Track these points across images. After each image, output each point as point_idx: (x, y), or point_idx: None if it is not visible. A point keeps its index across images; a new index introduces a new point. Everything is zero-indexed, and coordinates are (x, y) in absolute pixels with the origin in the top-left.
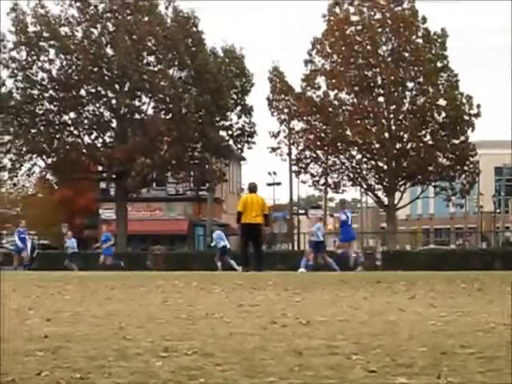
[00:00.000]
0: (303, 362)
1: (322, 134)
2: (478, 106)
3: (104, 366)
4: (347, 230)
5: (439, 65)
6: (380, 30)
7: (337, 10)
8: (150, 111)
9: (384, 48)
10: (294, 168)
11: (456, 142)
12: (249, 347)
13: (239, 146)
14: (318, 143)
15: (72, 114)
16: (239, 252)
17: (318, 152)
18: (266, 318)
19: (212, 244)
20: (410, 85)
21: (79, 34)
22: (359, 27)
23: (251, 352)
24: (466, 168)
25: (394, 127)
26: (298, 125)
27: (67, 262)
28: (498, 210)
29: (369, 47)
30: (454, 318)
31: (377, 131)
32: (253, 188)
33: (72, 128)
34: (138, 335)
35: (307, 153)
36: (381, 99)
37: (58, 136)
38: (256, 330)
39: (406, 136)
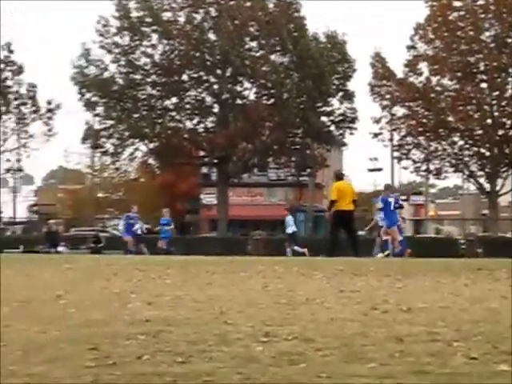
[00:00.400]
0: (404, 348)
1: (424, 120)
2: None
3: (205, 351)
4: (390, 215)
5: None
6: (483, 15)
7: None
8: (252, 96)
9: (487, 34)
10: (396, 154)
11: None
12: (349, 333)
13: (340, 131)
14: (420, 129)
15: (174, 99)
16: (329, 239)
17: (420, 138)
18: (366, 304)
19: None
20: None
21: (182, 19)
22: (462, 13)
23: (352, 338)
24: None
25: (496, 113)
26: (399, 111)
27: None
28: None
29: (471, 33)
30: None
31: (479, 117)
32: (341, 175)
33: (174, 113)
34: (239, 320)
35: (409, 139)
36: (483, 85)
37: (160, 121)
38: (356, 315)
39: (508, 122)
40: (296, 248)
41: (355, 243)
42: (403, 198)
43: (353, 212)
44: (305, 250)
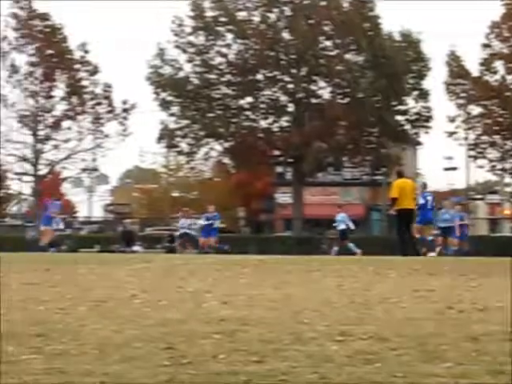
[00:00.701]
0: (480, 347)
1: (500, 119)
2: None
3: (280, 350)
4: (424, 213)
5: None
6: None
7: None
8: (327, 96)
9: None
10: (471, 153)
11: None
12: (424, 332)
13: (415, 130)
14: (496, 128)
15: (249, 99)
16: (397, 239)
17: (495, 137)
18: (441, 303)
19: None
20: None
21: (256, 19)
22: None
23: (427, 337)
24: None
25: None
26: (475, 109)
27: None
28: None
29: None
30: None
31: None
32: (402, 173)
33: (249, 112)
34: (314, 319)
35: (484, 138)
36: None
37: (234, 120)
38: (432, 315)
39: None
40: (350, 246)
41: (414, 242)
42: (478, 197)
43: (414, 210)
44: (358, 251)
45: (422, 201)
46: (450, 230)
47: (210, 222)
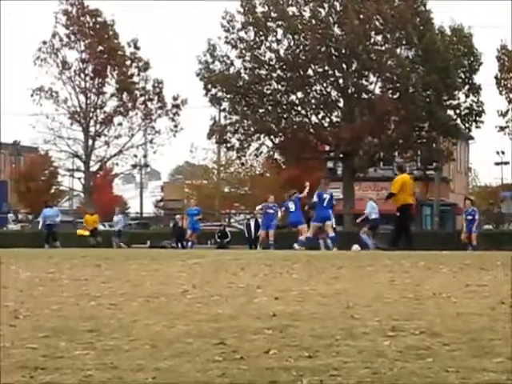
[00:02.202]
0: None
1: None
2: None
3: (332, 345)
4: (320, 210)
5: None
6: None
7: None
8: (378, 90)
9: None
10: None
11: None
12: (476, 327)
13: (467, 125)
14: None
15: (299, 94)
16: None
17: None
18: (493, 298)
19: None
20: None
21: (307, 14)
22: None
23: (479, 332)
24: None
25: None
26: None
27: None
28: None
29: None
30: None
31: None
32: (403, 168)
33: (299, 108)
34: (366, 314)
35: None
36: None
37: (285, 116)
38: (484, 310)
39: None
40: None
41: (410, 236)
42: None
43: (412, 205)
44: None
45: (315, 199)
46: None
47: (271, 211)
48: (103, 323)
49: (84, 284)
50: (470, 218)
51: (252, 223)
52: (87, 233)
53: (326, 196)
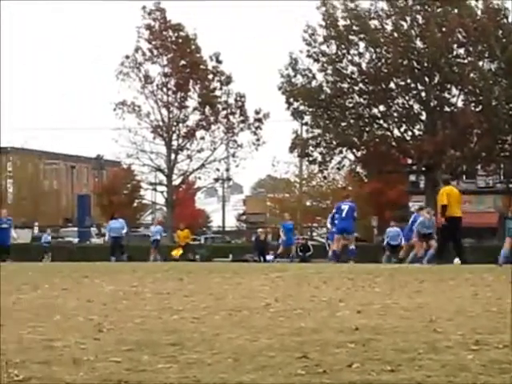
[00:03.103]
0: None
1: None
2: None
3: (414, 359)
4: (339, 222)
5: None
6: None
7: None
8: (460, 103)
9: None
10: None
11: None
12: None
13: None
14: None
15: (381, 107)
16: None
17: None
18: None
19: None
20: None
21: (389, 27)
22: None
23: None
24: None
25: None
26: None
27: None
28: None
29: None
30: None
31: None
32: (449, 180)
33: (381, 121)
34: (448, 328)
35: None
36: None
37: (367, 129)
38: None
39: None
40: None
41: (462, 249)
42: None
43: (461, 218)
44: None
45: (334, 210)
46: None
47: None
48: (186, 337)
49: (167, 297)
50: None
51: None
52: (181, 251)
53: (345, 207)
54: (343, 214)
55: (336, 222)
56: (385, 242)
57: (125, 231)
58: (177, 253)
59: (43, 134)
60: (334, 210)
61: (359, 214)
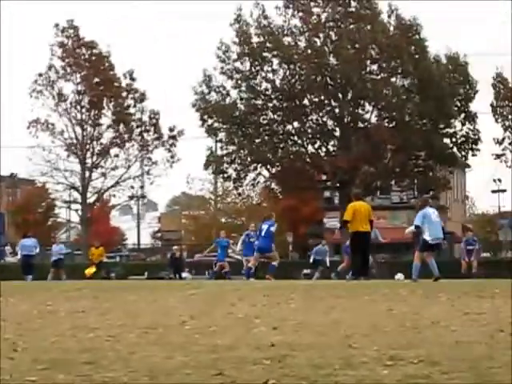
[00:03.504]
0: None
1: None
2: None
3: (330, 375)
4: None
5: None
6: None
7: None
8: (374, 119)
9: None
10: None
11: None
12: (475, 355)
13: (463, 153)
14: None
15: (295, 124)
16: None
17: None
18: (492, 325)
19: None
20: None
21: (302, 44)
22: None
23: (478, 360)
24: None
25: None
26: None
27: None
28: None
29: None
30: None
31: None
32: (358, 195)
33: (296, 137)
34: (364, 343)
35: None
36: None
37: (281, 145)
38: (483, 338)
39: None
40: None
41: (366, 265)
42: None
43: (368, 233)
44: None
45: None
46: None
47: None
48: (101, 355)
49: (82, 316)
50: (470, 247)
51: None
52: (94, 269)
53: (264, 227)
54: (262, 234)
55: (256, 241)
56: (311, 259)
57: (37, 250)
58: (90, 271)
59: None
60: (250, 232)
61: (276, 231)
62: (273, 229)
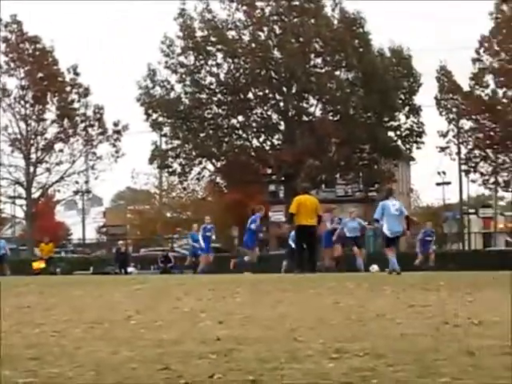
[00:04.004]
0: (476, 362)
1: (491, 133)
2: None
3: (276, 368)
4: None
5: None
6: None
7: (504, 7)
8: (318, 113)
9: None
10: (464, 167)
11: None
12: (421, 348)
13: (408, 146)
14: (488, 142)
15: (240, 118)
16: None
17: (488, 151)
18: (437, 318)
19: None
20: None
21: (246, 38)
22: None
23: (423, 353)
24: None
25: None
26: (466, 124)
27: None
28: None
29: None
30: None
31: None
32: (305, 189)
33: (240, 131)
34: (310, 337)
35: (476, 152)
36: None
37: (226, 139)
38: (428, 330)
39: None
40: None
41: (313, 260)
42: (471, 211)
43: (314, 227)
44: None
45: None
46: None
47: (209, 234)
48: (47, 350)
49: (27, 311)
50: (429, 238)
51: None
52: (43, 265)
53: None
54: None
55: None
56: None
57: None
58: (38, 265)
59: None
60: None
61: (220, 225)
62: (253, 226)
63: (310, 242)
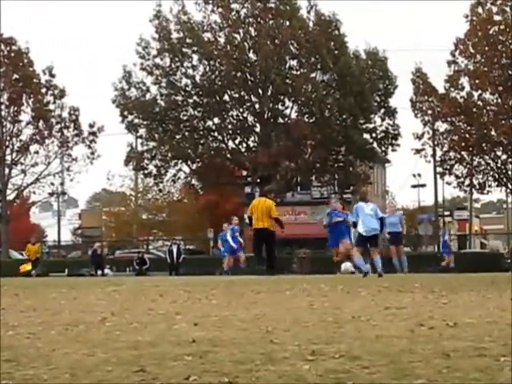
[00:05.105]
0: (451, 364)
1: (467, 135)
2: None
3: (251, 370)
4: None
5: None
6: None
7: (479, 10)
8: (294, 115)
9: None
10: (439, 169)
11: None
12: (396, 350)
13: (383, 148)
14: (463, 144)
15: (216, 120)
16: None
17: (463, 153)
18: (412, 320)
19: None
20: None
21: (222, 40)
22: (502, 27)
23: (398, 354)
24: None
25: None
26: (442, 126)
27: None
28: None
29: None
30: None
31: None
32: (265, 192)
33: (216, 133)
34: (285, 339)
35: (452, 154)
36: None
37: (202, 141)
38: (403, 332)
39: None
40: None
41: (271, 261)
42: (447, 213)
43: (267, 229)
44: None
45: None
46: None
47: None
48: (21, 352)
49: (2, 313)
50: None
51: (174, 249)
52: (29, 267)
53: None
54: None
55: None
56: None
57: None
58: (25, 267)
59: None
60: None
61: (196, 227)
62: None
63: (266, 244)
